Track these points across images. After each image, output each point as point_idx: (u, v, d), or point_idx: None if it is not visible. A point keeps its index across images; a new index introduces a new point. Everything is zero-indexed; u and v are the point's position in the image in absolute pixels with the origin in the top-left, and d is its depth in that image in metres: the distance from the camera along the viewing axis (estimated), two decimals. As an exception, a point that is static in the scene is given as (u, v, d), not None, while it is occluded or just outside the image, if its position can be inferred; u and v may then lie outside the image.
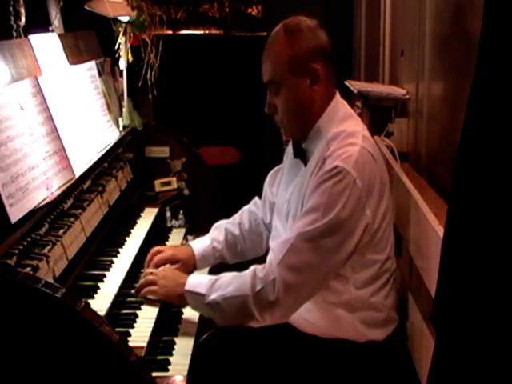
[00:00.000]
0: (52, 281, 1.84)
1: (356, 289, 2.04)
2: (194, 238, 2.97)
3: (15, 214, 1.83)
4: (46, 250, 1.87)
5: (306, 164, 2.12)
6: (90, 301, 1.93)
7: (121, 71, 3.27)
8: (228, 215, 2.60)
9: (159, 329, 2.11)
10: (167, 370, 1.93)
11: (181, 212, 3.11)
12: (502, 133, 1.08)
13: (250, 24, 5.78)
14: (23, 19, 2.47)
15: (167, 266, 2.33)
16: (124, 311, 2.13)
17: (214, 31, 5.83)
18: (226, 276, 2.05)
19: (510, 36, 1.06)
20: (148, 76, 3.29)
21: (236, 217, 2.53)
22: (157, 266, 2.32)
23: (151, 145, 3.30)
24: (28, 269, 1.74)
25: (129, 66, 3.27)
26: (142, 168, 3.17)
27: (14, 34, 2.45)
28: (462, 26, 2.12)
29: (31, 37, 2.37)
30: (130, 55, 3.26)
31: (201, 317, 2.19)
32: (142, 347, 1.90)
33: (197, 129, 4.92)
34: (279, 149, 2.35)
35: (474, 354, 1.13)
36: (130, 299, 2.21)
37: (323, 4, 5.33)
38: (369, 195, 1.97)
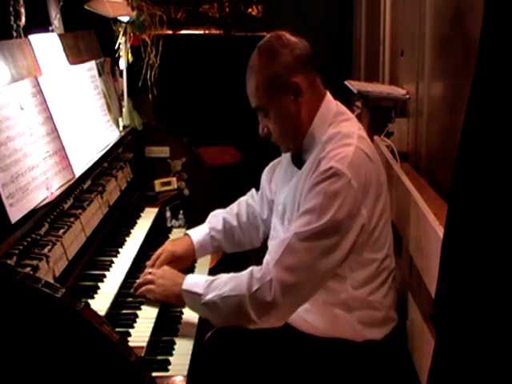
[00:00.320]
0: (52, 281, 1.84)
1: (354, 288, 2.04)
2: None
3: (15, 214, 1.83)
4: (46, 250, 1.87)
5: (299, 168, 2.13)
6: (90, 301, 1.93)
7: (121, 71, 3.27)
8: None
9: (159, 329, 2.11)
10: (167, 370, 1.93)
11: (181, 212, 3.11)
12: (501, 133, 1.08)
13: (250, 24, 5.78)
14: (23, 19, 2.47)
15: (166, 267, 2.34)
16: (124, 311, 2.13)
17: (214, 31, 5.83)
18: (223, 276, 2.05)
19: (510, 36, 1.06)
20: (148, 76, 3.29)
21: (233, 207, 2.55)
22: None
23: (151, 145, 3.30)
24: (28, 269, 1.74)
25: (129, 66, 3.27)
26: (142, 168, 3.17)
27: (14, 33, 2.45)
28: (462, 26, 2.12)
29: (31, 37, 2.37)
30: (130, 55, 3.26)
31: (201, 317, 2.19)
32: (141, 347, 1.90)
33: (197, 129, 4.91)
34: (279, 149, 2.35)
35: (473, 354, 1.13)
36: (129, 299, 2.21)
37: (323, 4, 5.33)
38: (365, 195, 1.97)
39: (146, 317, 2.10)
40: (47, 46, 2.47)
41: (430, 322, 1.55)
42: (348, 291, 2.03)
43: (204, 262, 2.81)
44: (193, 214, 3.16)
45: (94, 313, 1.62)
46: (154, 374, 1.76)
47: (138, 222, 2.77)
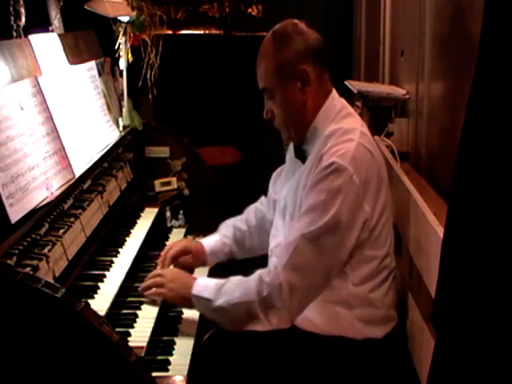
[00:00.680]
0: (52, 281, 1.84)
1: (354, 285, 2.04)
2: (194, 238, 2.98)
3: (15, 214, 1.83)
4: (46, 250, 1.87)
5: (304, 163, 2.13)
6: (90, 301, 1.93)
7: (121, 71, 3.27)
8: (228, 215, 2.60)
9: (159, 329, 2.11)
10: (167, 370, 1.94)
11: (181, 212, 3.11)
12: (501, 133, 1.08)
13: (250, 24, 5.77)
14: (23, 19, 2.47)
15: (171, 266, 2.37)
16: (124, 311, 2.13)
17: (214, 31, 5.83)
18: (232, 280, 2.06)
19: (510, 36, 1.06)
20: (148, 76, 3.29)
21: (242, 215, 2.56)
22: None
23: (151, 145, 3.30)
24: (28, 269, 1.74)
25: (129, 66, 3.27)
26: (142, 168, 3.17)
27: (14, 33, 2.45)
28: (462, 26, 2.12)
29: (31, 37, 2.37)
30: (130, 55, 3.26)
31: (201, 317, 2.19)
32: (141, 347, 1.90)
33: (197, 129, 4.91)
34: (279, 149, 2.35)
35: (473, 354, 1.13)
36: (130, 299, 2.22)
37: (323, 4, 5.33)
38: (366, 191, 1.98)
39: (146, 317, 2.10)
40: (47, 46, 2.47)
41: (430, 321, 1.55)
42: (349, 288, 2.04)
43: (204, 262, 2.81)
44: (193, 214, 3.16)
45: (94, 313, 1.62)
46: (154, 374, 1.77)
47: (138, 221, 2.77)
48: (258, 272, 2.03)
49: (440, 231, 1.77)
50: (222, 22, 5.81)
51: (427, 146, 2.61)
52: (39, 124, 2.15)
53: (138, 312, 2.12)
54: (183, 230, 3.00)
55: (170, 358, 1.99)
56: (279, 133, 2.22)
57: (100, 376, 1.58)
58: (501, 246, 1.09)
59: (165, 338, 2.11)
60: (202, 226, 3.12)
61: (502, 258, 1.09)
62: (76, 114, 2.52)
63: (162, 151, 3.30)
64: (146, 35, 3.25)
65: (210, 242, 2.49)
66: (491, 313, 1.10)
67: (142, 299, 2.19)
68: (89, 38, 3.05)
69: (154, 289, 2.18)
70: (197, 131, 4.50)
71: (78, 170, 2.34)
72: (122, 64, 3.25)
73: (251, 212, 2.54)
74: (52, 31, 2.80)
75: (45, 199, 2.02)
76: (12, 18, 2.44)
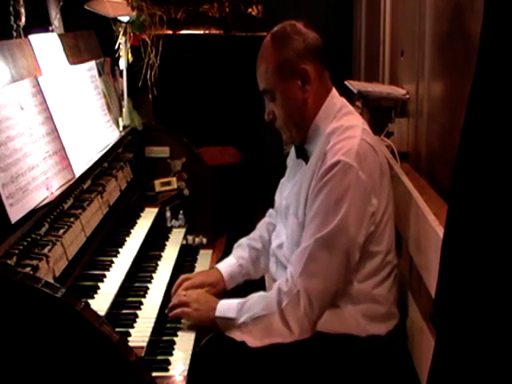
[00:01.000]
0: (52, 281, 1.84)
1: (359, 281, 2.06)
2: (193, 238, 2.98)
3: (15, 214, 1.83)
4: (46, 250, 1.87)
5: (307, 163, 2.13)
6: (90, 301, 1.93)
7: (121, 71, 3.27)
8: (228, 216, 2.59)
9: (159, 329, 2.11)
10: (167, 370, 1.94)
11: (181, 212, 3.11)
12: (501, 133, 1.08)
13: (250, 24, 5.78)
14: (23, 19, 2.47)
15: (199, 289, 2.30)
16: (124, 311, 2.13)
17: (214, 31, 5.83)
18: (254, 297, 2.07)
19: (510, 36, 1.06)
20: (148, 76, 3.29)
21: (255, 232, 2.53)
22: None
23: (151, 145, 3.30)
24: (28, 269, 1.73)
25: (129, 66, 3.27)
26: (142, 168, 3.17)
27: (14, 33, 2.45)
28: (462, 26, 2.12)
29: (31, 37, 2.37)
30: (130, 55, 3.26)
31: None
32: (141, 347, 1.90)
33: (197, 129, 4.91)
34: (279, 149, 2.35)
35: (474, 354, 1.13)
36: (130, 299, 2.22)
37: (323, 4, 5.33)
38: (372, 185, 2.00)
39: (146, 317, 2.10)
40: (47, 45, 2.47)
41: (430, 321, 1.55)
42: (353, 284, 2.05)
43: (204, 263, 2.82)
44: (193, 214, 3.16)
45: (94, 313, 1.62)
46: (154, 374, 1.77)
47: (138, 221, 2.77)
48: (277, 283, 2.04)
49: (440, 231, 1.77)
50: (222, 22, 5.81)
51: (427, 146, 2.61)
52: (39, 124, 2.15)
53: (138, 312, 2.12)
54: (183, 230, 3.00)
55: (170, 358, 1.99)
56: (279, 133, 2.22)
57: (100, 376, 1.58)
58: (501, 245, 1.09)
59: (165, 338, 2.11)
60: (201, 226, 3.12)
61: (501, 257, 1.09)
62: (76, 114, 2.52)
63: (162, 151, 3.30)
64: (146, 35, 3.25)
65: (226, 267, 2.43)
66: (491, 313, 1.10)
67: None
68: (89, 38, 3.05)
69: (179, 309, 2.16)
70: (197, 131, 4.50)
71: (78, 170, 2.34)
72: (122, 64, 3.25)
73: (263, 228, 2.51)
74: (52, 31, 2.80)
75: (45, 199, 2.02)
76: (12, 18, 2.44)
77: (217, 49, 5.64)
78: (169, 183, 3.23)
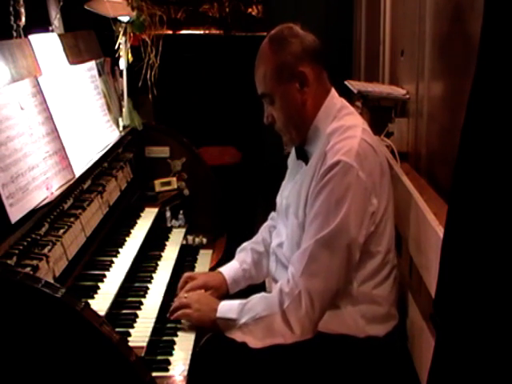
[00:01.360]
0: (52, 281, 1.84)
1: (359, 281, 2.06)
2: (193, 238, 2.98)
3: (15, 214, 1.83)
4: (46, 250, 1.87)
5: (307, 163, 2.14)
6: (90, 301, 1.94)
7: (121, 71, 3.27)
8: (228, 216, 2.59)
9: (159, 329, 2.11)
10: (167, 370, 1.94)
11: (181, 212, 3.11)
12: (501, 133, 1.08)
13: (250, 24, 5.78)
14: (23, 19, 2.47)
15: (201, 290, 2.30)
16: (124, 311, 2.13)
17: (214, 31, 5.83)
18: (255, 297, 2.07)
19: (510, 36, 1.06)
20: (148, 76, 3.29)
21: (258, 235, 2.52)
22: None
23: (151, 145, 3.30)
24: (28, 269, 1.73)
25: (129, 66, 3.27)
26: (142, 168, 3.17)
27: (14, 33, 2.45)
28: (462, 26, 2.12)
29: (31, 37, 2.37)
30: (130, 55, 3.26)
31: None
32: (142, 347, 1.90)
33: (197, 129, 4.91)
34: (279, 149, 2.35)
35: (473, 354, 1.13)
36: (130, 299, 2.22)
37: (323, 4, 5.32)
38: (372, 185, 2.00)
39: (146, 317, 2.10)
40: (47, 45, 2.47)
41: (430, 321, 1.55)
42: (353, 284, 2.05)
43: (204, 263, 2.82)
44: (193, 214, 3.16)
45: (94, 313, 1.62)
46: (154, 374, 1.77)
47: (138, 221, 2.77)
48: (279, 284, 2.04)
49: (440, 231, 1.77)
50: (222, 22, 5.81)
51: (427, 146, 2.61)
52: (39, 124, 2.15)
53: (138, 312, 2.12)
54: (183, 230, 3.00)
55: (170, 358, 1.99)
56: (279, 133, 2.22)
57: (100, 376, 1.58)
58: (501, 245, 1.09)
59: (165, 338, 2.11)
60: (201, 226, 3.12)
61: (501, 257, 1.09)
62: (76, 114, 2.52)
63: (162, 151, 3.30)
64: (146, 35, 3.25)
65: (229, 271, 2.43)
66: (491, 313, 1.10)
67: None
68: (89, 38, 3.05)
69: (180, 311, 2.16)
70: (197, 131, 4.50)
71: (78, 170, 2.34)
72: (122, 64, 3.25)
73: (265, 231, 2.50)
74: (52, 31, 2.80)
75: (45, 199, 2.02)
76: (12, 18, 2.44)
77: (217, 49, 5.64)
78: (169, 183, 3.23)
